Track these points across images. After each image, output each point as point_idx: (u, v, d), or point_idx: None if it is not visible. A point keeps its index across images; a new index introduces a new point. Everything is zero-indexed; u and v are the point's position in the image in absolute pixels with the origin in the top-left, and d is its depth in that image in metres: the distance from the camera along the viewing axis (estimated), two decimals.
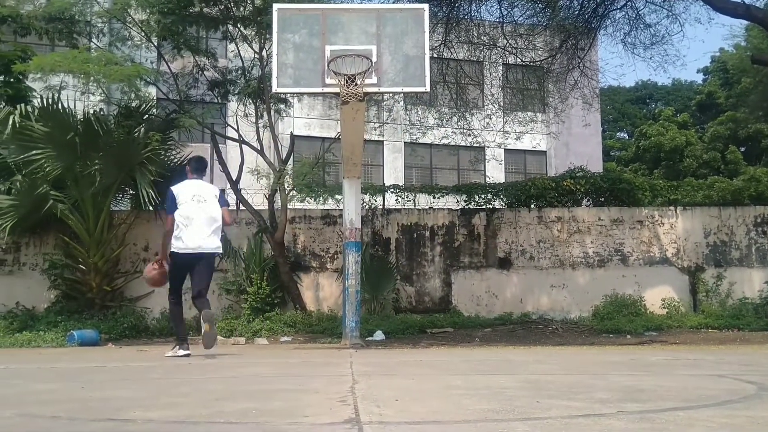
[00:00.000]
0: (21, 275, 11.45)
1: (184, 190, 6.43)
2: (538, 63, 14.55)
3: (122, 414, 2.53)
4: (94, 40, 11.74)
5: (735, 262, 12.37)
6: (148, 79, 11.40)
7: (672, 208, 12.74)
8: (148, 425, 2.25)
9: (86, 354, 7.36)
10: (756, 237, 12.49)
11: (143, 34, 11.41)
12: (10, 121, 10.02)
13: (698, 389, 3.23)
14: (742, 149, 29.07)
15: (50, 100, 10.29)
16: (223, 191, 6.62)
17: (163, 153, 11.25)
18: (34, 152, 10.03)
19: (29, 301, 11.15)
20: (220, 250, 6.84)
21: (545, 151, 24.60)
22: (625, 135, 41.95)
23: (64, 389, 3.51)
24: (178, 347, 6.34)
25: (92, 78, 10.07)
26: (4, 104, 11.48)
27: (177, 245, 6.30)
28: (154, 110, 12.10)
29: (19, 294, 11.18)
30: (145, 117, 11.40)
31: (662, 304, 11.86)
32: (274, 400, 2.87)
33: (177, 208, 6.32)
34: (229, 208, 6.97)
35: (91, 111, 10.91)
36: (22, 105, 10.60)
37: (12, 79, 12.11)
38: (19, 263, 11.54)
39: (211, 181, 17.11)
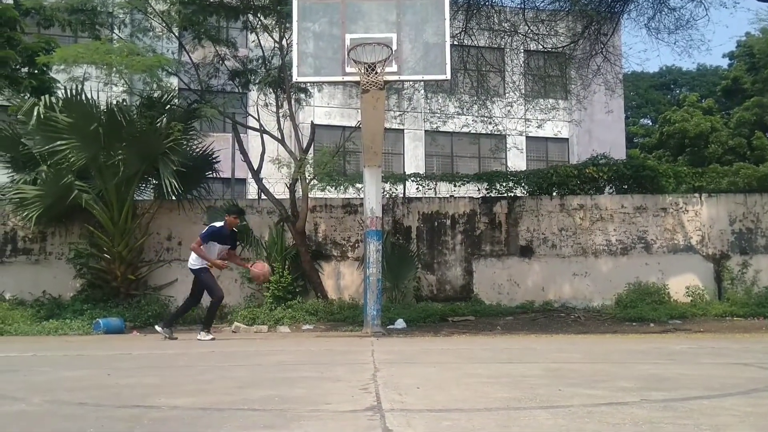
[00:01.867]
0: (47, 264, 11.63)
1: None
2: (560, 49, 14.38)
3: (148, 401, 2.57)
4: (116, 31, 11.83)
5: (761, 250, 12.19)
6: (170, 70, 11.46)
7: (696, 195, 12.57)
8: (174, 412, 2.28)
9: (112, 342, 7.46)
10: None
11: (164, 24, 11.47)
12: (35, 113, 10.14)
13: (723, 378, 3.20)
14: None
15: (74, 91, 10.40)
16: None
17: (185, 143, 11.34)
18: (58, 143, 10.15)
19: (55, 289, 11.33)
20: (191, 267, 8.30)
21: (567, 139, 24.36)
22: (649, 121, 41.42)
23: (91, 376, 3.56)
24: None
25: (114, 69, 10.16)
26: (28, 95, 11.63)
27: None
28: (176, 100, 12.17)
29: (46, 283, 11.36)
30: (167, 107, 11.48)
31: (686, 292, 11.73)
32: (297, 388, 2.89)
33: None
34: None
35: (114, 102, 11.02)
36: (47, 96, 10.73)
37: (36, 71, 12.27)
38: (45, 252, 11.72)
39: (233, 172, 17.27)
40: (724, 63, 38.12)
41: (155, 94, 11.31)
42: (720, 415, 2.11)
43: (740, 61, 32.21)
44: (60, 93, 11.18)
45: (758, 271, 11.90)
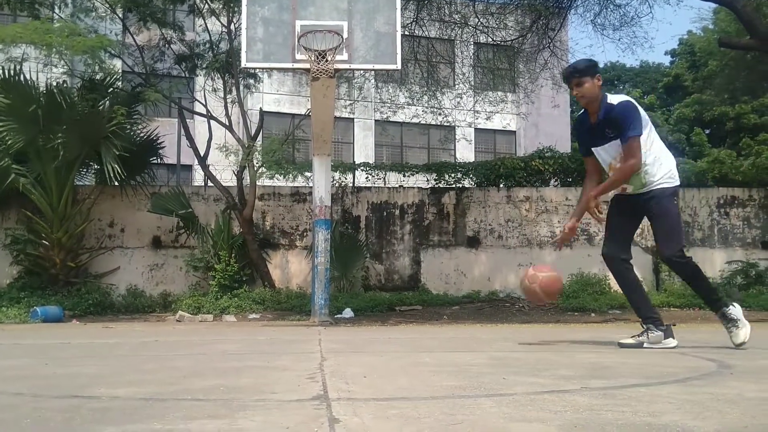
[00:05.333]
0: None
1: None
2: (509, 43, 14.55)
3: (87, 391, 2.50)
4: (57, 10, 11.42)
5: (698, 243, 12.63)
6: (113, 52, 11.16)
7: None
8: (114, 402, 2.22)
9: (50, 330, 7.25)
10: (718, 218, 12.76)
11: (107, 5, 11.13)
12: None
13: (660, 366, 3.30)
14: (707, 131, 29.56)
15: (12, 72, 10.02)
16: None
17: (128, 127, 11.06)
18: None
19: None
20: None
21: (515, 131, 24.72)
22: None
23: (28, 366, 3.45)
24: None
25: (54, 49, 9.84)
26: None
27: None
28: (120, 83, 11.84)
29: None
30: (109, 90, 11.17)
31: None
32: (242, 377, 2.86)
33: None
34: None
35: (54, 83, 10.66)
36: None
37: None
38: None
39: (178, 158, 16.93)
40: (666, 60, 39.19)
41: (97, 77, 10.99)
42: (657, 402, 2.18)
43: (682, 59, 33.18)
44: None
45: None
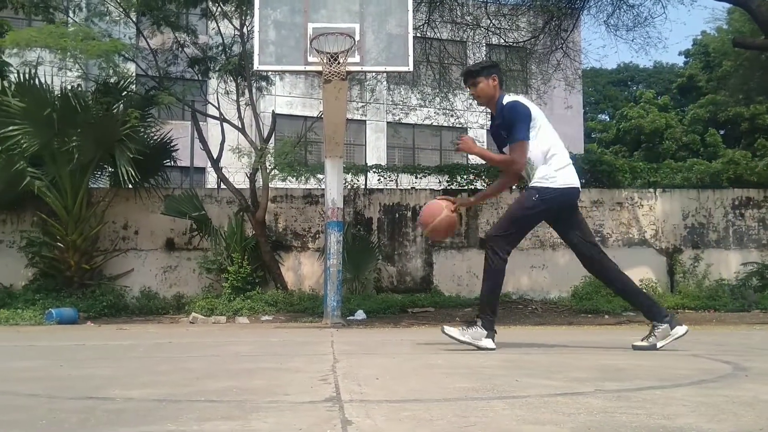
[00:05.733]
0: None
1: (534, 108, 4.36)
2: (521, 44, 14.52)
3: (102, 392, 2.52)
4: (71, 14, 11.53)
5: (712, 244, 12.53)
6: (127, 55, 11.23)
7: (651, 190, 12.85)
8: (128, 403, 2.24)
9: (65, 332, 7.31)
10: (733, 219, 12.66)
11: (121, 9, 11.22)
12: None
13: (675, 369, 3.28)
14: (722, 132, 29.33)
15: (27, 76, 10.11)
16: None
17: (142, 130, 11.14)
18: (10, 128, 9.87)
19: (7, 278, 11.04)
20: None
21: None
22: (606, 117, 42.13)
23: (43, 367, 3.48)
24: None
25: (69, 53, 9.92)
26: None
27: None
28: (133, 87, 11.93)
29: None
30: (123, 94, 11.24)
31: (640, 285, 11.95)
32: (255, 379, 2.87)
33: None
34: None
35: (69, 87, 10.74)
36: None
37: None
38: None
39: (192, 160, 17.00)
40: (680, 61, 38.97)
41: (112, 80, 11.07)
42: (671, 404, 2.16)
43: (696, 59, 32.95)
44: (13, 77, 10.86)
45: (709, 265, 12.23)
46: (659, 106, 31.62)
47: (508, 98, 4.25)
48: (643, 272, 12.20)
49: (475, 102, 4.45)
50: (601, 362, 3.60)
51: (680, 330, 4.16)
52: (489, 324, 4.21)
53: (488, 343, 4.16)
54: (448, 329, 4.25)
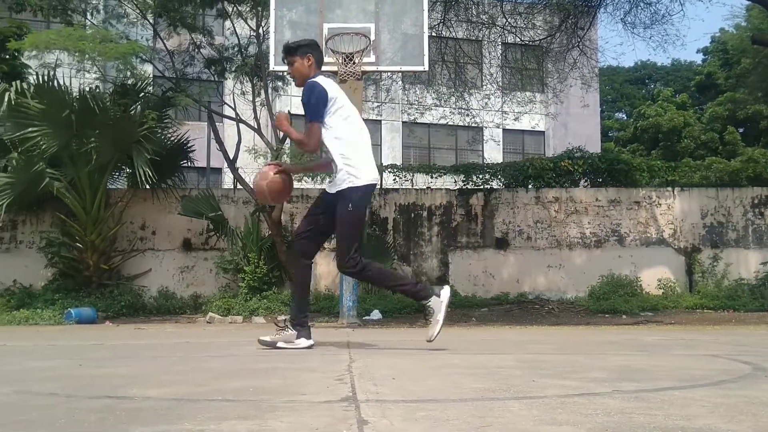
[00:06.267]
0: (18, 253, 11.45)
1: (338, 91, 4.25)
2: (538, 42, 14.46)
3: (120, 391, 2.54)
4: (89, 17, 11.63)
5: (731, 243, 12.40)
6: (144, 57, 11.31)
7: (669, 188, 12.74)
8: (147, 402, 2.25)
9: (84, 332, 7.38)
10: (753, 218, 12.51)
11: (138, 11, 11.30)
12: (6, 98, 9.95)
13: (693, 369, 3.25)
14: (741, 130, 29.01)
15: (46, 78, 10.21)
16: None
17: (159, 131, 11.20)
18: (29, 129, 9.97)
19: (26, 278, 11.16)
20: None
21: (543, 132, 24.54)
22: (624, 115, 41.84)
23: (62, 366, 3.52)
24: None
25: (87, 56, 10.00)
26: None
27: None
28: (150, 88, 12.01)
29: (17, 272, 11.19)
30: (141, 95, 11.32)
31: (658, 285, 11.91)
32: (272, 378, 2.88)
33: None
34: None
35: (87, 89, 10.84)
36: (18, 82, 10.52)
37: (7, 56, 12.02)
38: (16, 241, 11.54)
39: (208, 161, 17.08)
40: (699, 58, 38.63)
41: (129, 82, 11.16)
42: (690, 405, 2.14)
43: (714, 56, 32.65)
44: (32, 79, 10.98)
45: (728, 265, 12.10)
46: (677, 104, 31.34)
47: (316, 78, 4.20)
48: (661, 272, 12.10)
49: (293, 79, 4.36)
50: (618, 363, 3.58)
51: (303, 342, 4.21)
52: (301, 323, 4.25)
53: (302, 341, 4.19)
54: (262, 338, 4.26)
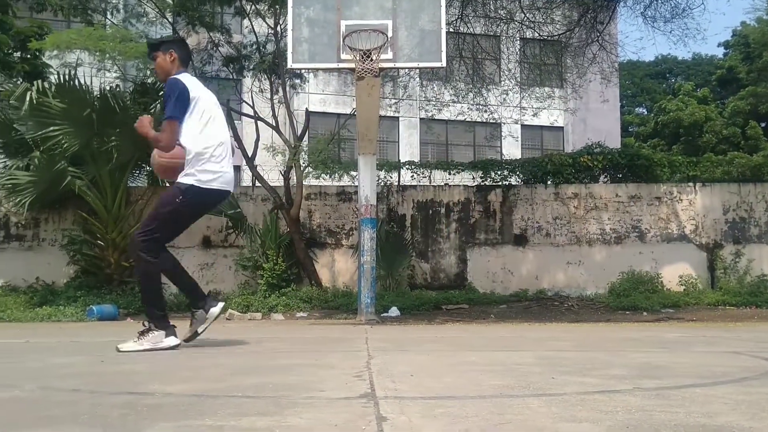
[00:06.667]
0: (40, 251, 11.60)
1: (201, 91, 4.27)
2: (556, 37, 14.35)
3: (141, 387, 2.57)
4: (109, 16, 11.74)
5: (754, 239, 12.25)
6: None
7: (691, 184, 12.61)
8: (168, 398, 2.28)
9: (105, 328, 7.46)
10: None
11: (157, 10, 11.38)
12: (28, 98, 10.07)
13: (715, 366, 3.22)
14: (763, 125, 28.60)
15: (67, 77, 10.32)
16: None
17: None
18: (51, 128, 10.08)
19: (49, 276, 11.31)
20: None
21: (562, 127, 24.38)
22: (644, 110, 41.46)
23: (84, 363, 3.56)
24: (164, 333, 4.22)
25: (108, 55, 10.11)
26: (21, 80, 11.56)
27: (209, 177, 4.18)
28: None
29: (39, 269, 11.34)
30: (160, 93, 11.40)
31: (680, 281, 11.79)
32: (291, 375, 2.89)
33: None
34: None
35: (108, 88, 10.95)
36: (39, 81, 10.65)
37: (29, 56, 12.19)
38: (38, 239, 11.69)
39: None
40: (720, 52, 38.13)
41: (149, 81, 11.25)
42: (712, 402, 2.12)
43: (735, 50, 32.21)
44: (53, 78, 11.10)
45: (751, 261, 11.95)
46: (698, 98, 30.98)
47: (179, 76, 4.13)
48: (682, 268, 11.98)
49: (156, 75, 4.33)
50: (639, 360, 3.55)
51: (172, 341, 4.13)
52: (162, 322, 4.13)
53: (171, 341, 4.10)
54: (122, 346, 4.06)
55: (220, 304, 4.31)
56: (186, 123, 4.08)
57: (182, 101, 4.00)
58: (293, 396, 2.28)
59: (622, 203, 12.35)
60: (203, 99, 4.12)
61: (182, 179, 4.05)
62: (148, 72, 10.96)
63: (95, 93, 10.68)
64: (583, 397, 2.24)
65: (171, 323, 4.20)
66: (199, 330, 4.26)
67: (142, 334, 4.08)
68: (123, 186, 10.86)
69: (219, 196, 4.22)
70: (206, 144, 4.07)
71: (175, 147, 4.11)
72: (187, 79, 4.15)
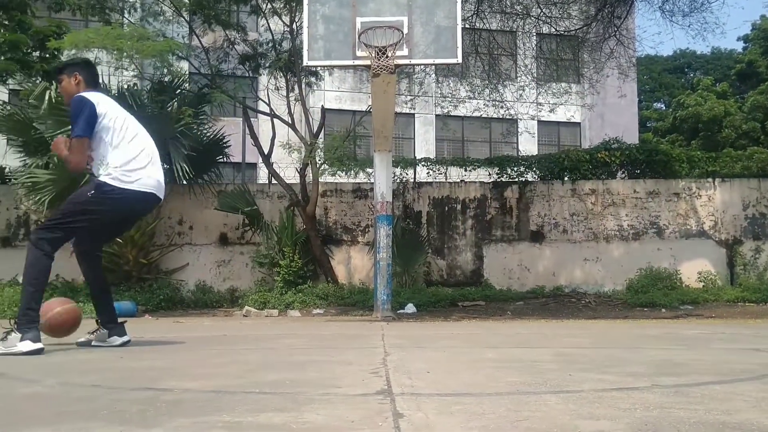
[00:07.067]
0: (60, 248, 11.71)
1: (109, 104, 4.27)
2: (573, 32, 14.25)
3: (160, 383, 2.59)
4: (126, 15, 11.82)
5: None
6: (180, 54, 11.46)
7: (710, 179, 12.48)
8: (186, 394, 2.29)
9: (124, 325, 7.50)
10: None
11: (174, 8, 11.44)
12: (47, 97, 10.17)
13: (734, 363, 3.19)
14: None
15: None
16: None
17: (195, 127, 11.35)
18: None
19: (69, 273, 11.39)
20: None
21: (579, 123, 24.22)
22: (662, 105, 41.06)
23: (104, 359, 3.59)
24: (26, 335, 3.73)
25: (125, 54, 10.16)
26: (40, 80, 11.67)
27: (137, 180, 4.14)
28: (187, 85, 12.17)
29: (59, 267, 11.27)
30: (177, 92, 11.48)
31: (698, 278, 11.68)
32: (308, 371, 2.90)
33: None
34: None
35: (125, 86, 11.03)
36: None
37: (47, 55, 12.28)
38: None
39: (243, 156, 17.26)
40: (739, 46, 37.72)
41: (166, 79, 11.32)
42: (732, 400, 2.10)
43: (755, 44, 31.82)
44: None
45: None
46: (717, 93, 30.63)
47: (85, 95, 4.07)
48: (701, 264, 11.86)
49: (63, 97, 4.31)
50: (657, 357, 3.53)
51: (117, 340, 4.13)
52: (30, 322, 3.74)
53: (26, 345, 3.62)
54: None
55: (125, 339, 4.30)
56: (101, 138, 4.04)
57: (89, 118, 3.94)
58: (310, 392, 2.29)
59: (640, 199, 12.26)
60: (113, 110, 4.10)
61: (101, 177, 3.99)
62: (165, 71, 11.03)
63: (113, 91, 10.76)
64: (600, 394, 2.23)
65: (35, 324, 3.78)
66: (93, 342, 4.24)
67: (3, 338, 3.72)
68: None
69: (141, 199, 4.10)
70: (126, 156, 4.03)
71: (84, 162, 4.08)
72: (93, 95, 4.11)
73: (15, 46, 11.86)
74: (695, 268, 11.83)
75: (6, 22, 12.16)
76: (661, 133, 32.42)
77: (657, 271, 11.64)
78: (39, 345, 3.68)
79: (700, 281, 11.63)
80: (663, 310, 9.99)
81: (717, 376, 2.72)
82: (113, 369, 3.15)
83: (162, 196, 4.29)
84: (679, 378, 2.66)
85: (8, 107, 11.48)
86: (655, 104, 41.66)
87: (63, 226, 4.03)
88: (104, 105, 4.08)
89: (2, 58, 11.80)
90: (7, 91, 13.91)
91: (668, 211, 12.20)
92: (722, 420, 1.79)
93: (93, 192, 3.98)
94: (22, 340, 3.64)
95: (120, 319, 4.40)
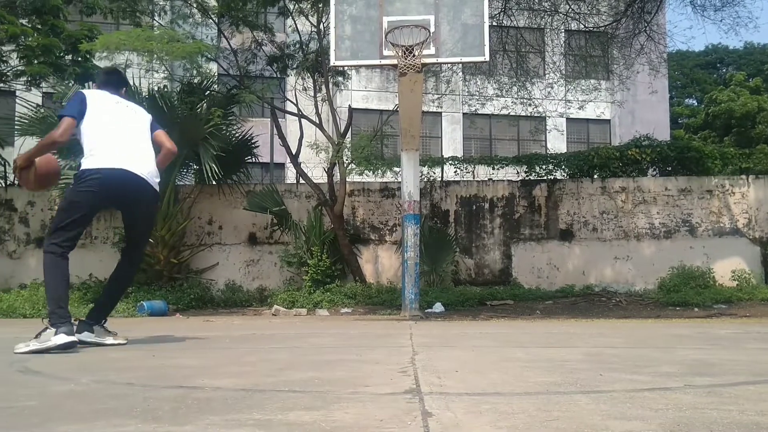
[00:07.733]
0: (93, 248, 11.91)
1: (103, 98, 4.46)
2: (602, 28, 14.09)
3: (191, 381, 2.62)
4: (157, 17, 11.98)
5: None
6: (209, 56, 11.58)
7: (743, 176, 12.25)
8: (217, 392, 2.32)
9: (156, 324, 7.63)
10: None
11: (203, 11, 11.57)
12: None
13: None
14: None
15: None
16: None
17: (224, 128, 11.47)
18: None
19: (101, 273, 11.60)
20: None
21: (609, 120, 23.94)
22: (694, 101, 40.42)
23: (137, 357, 3.65)
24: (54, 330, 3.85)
25: (156, 56, 10.31)
26: (72, 83, 11.88)
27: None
28: (216, 86, 12.30)
29: (92, 266, 11.64)
30: (206, 93, 11.61)
31: (732, 276, 11.48)
32: (336, 370, 2.91)
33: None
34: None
35: (156, 88, 11.17)
36: (90, 83, 10.92)
37: (79, 58, 12.50)
38: (91, 237, 12.01)
39: (271, 156, 17.37)
40: None
41: (195, 80, 11.45)
42: (766, 400, 2.07)
43: None
44: None
45: None
46: (751, 88, 30.06)
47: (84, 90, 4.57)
48: (735, 263, 11.66)
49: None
50: (690, 357, 3.48)
51: (61, 339, 3.77)
52: (60, 318, 3.85)
53: (60, 338, 3.74)
54: (16, 348, 3.82)
55: (119, 342, 4.34)
56: (84, 124, 4.26)
57: (76, 103, 4.25)
58: (339, 391, 2.30)
59: (672, 197, 12.08)
60: (101, 105, 4.35)
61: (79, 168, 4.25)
62: (194, 72, 11.16)
63: (144, 93, 10.91)
64: (632, 394, 2.21)
65: (68, 319, 3.91)
66: (88, 340, 4.20)
67: (37, 335, 3.84)
68: (171, 184, 11.08)
69: (118, 176, 4.18)
70: (97, 141, 4.22)
71: (50, 156, 4.42)
72: (90, 91, 4.52)
73: (48, 49, 12.10)
74: (729, 267, 11.63)
75: (39, 27, 12.40)
76: (693, 130, 31.92)
77: (689, 269, 11.45)
78: (73, 338, 3.83)
79: (734, 280, 11.43)
80: (696, 309, 9.83)
81: (751, 376, 2.68)
82: (146, 367, 3.20)
83: (140, 174, 4.32)
84: (713, 378, 2.62)
85: (42, 110, 11.70)
86: (686, 100, 41.04)
87: (62, 224, 4.16)
88: (94, 97, 4.38)
89: (36, 61, 12.04)
90: (41, 94, 14.19)
91: (701, 209, 12.01)
92: (756, 421, 1.76)
93: (73, 183, 4.25)
94: (56, 334, 3.77)
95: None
